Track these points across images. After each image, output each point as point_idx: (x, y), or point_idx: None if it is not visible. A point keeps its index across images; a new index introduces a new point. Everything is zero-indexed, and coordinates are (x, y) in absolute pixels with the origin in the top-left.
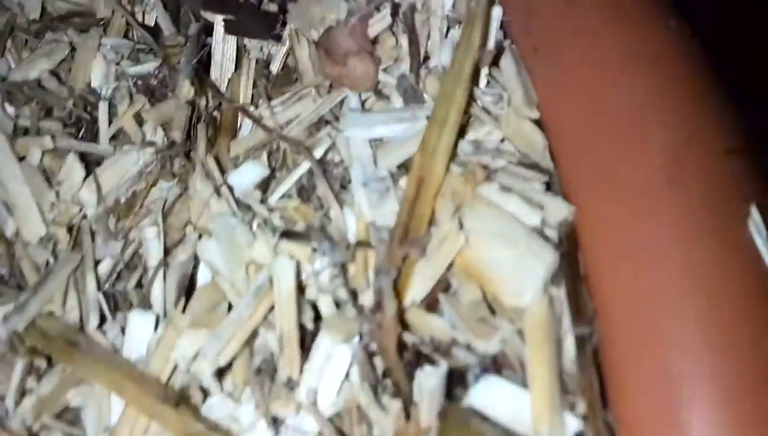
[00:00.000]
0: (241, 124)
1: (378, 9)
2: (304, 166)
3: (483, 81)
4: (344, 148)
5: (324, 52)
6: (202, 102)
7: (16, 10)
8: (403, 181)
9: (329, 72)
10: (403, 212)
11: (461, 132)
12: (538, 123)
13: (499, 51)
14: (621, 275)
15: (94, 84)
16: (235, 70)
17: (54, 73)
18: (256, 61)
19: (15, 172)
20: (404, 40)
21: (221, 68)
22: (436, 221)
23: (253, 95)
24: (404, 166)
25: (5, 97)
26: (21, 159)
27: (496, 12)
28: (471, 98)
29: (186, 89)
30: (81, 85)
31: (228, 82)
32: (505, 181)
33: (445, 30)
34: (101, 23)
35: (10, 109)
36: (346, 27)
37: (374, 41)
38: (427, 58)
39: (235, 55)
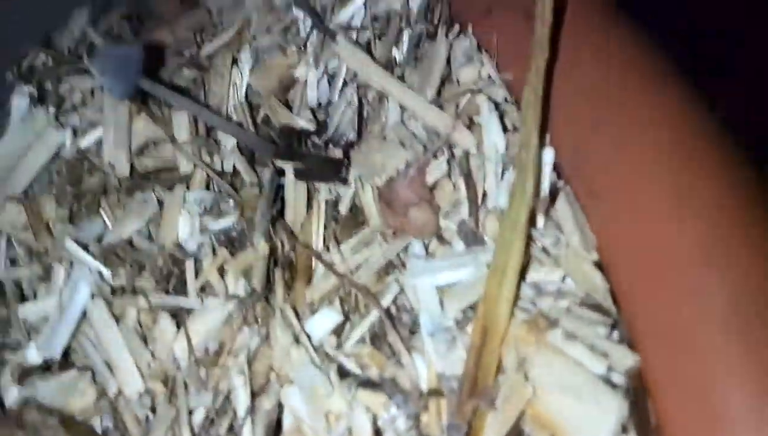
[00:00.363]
0: (315, 267)
1: (435, 156)
2: (375, 312)
3: (540, 221)
4: (412, 294)
5: (386, 204)
6: (278, 244)
7: (107, 169)
8: (470, 327)
9: (392, 223)
10: (470, 363)
11: (521, 273)
12: (598, 264)
13: (554, 192)
14: (692, 431)
15: (181, 239)
16: (307, 211)
17: (144, 231)
18: (326, 203)
19: (115, 336)
20: (462, 185)
21: (294, 211)
22: (503, 370)
23: (324, 237)
24: (471, 309)
25: (102, 260)
26: (117, 318)
27: (548, 156)
28: (529, 239)
29: (262, 246)
30: (169, 241)
31: (301, 225)
32: (569, 327)
33: (500, 172)
34: (184, 177)
35: (107, 272)
36: (406, 179)
37: (433, 187)
38: (485, 197)
39: (306, 198)
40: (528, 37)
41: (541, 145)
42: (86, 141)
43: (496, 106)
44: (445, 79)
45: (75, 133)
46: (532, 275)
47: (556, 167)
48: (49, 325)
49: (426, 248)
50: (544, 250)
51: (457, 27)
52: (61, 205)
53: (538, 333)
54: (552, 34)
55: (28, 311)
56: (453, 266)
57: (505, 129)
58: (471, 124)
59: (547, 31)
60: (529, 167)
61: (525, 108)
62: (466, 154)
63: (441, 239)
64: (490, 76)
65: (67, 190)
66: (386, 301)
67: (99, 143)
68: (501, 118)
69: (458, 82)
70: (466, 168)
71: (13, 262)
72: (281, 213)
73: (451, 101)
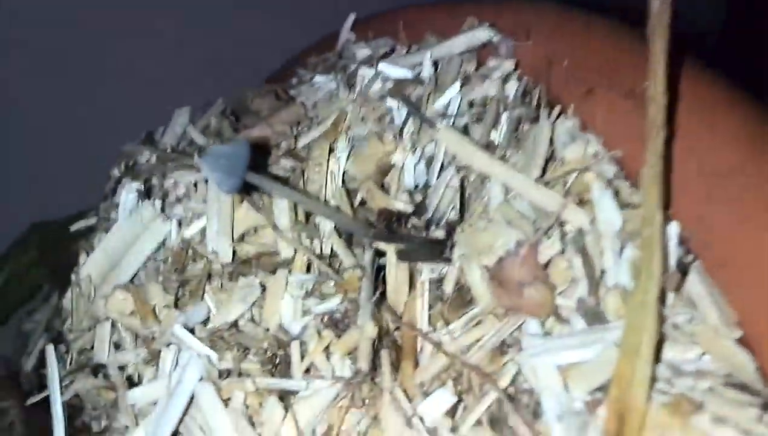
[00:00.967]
0: (422, 348)
1: (547, 235)
2: (492, 394)
3: (670, 298)
4: (531, 375)
5: (497, 283)
6: (383, 324)
7: (211, 257)
8: (600, 411)
9: (506, 303)
10: None
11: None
12: (741, 341)
13: (683, 267)
14: None
15: (285, 322)
16: (409, 291)
17: (248, 314)
18: (429, 282)
19: (223, 419)
20: (576, 262)
21: (396, 291)
22: None
23: (430, 316)
24: (600, 390)
25: (209, 344)
26: (225, 401)
27: (673, 231)
28: (660, 316)
29: (370, 328)
30: (273, 324)
31: (405, 305)
32: (716, 410)
33: (618, 249)
34: (285, 262)
35: (214, 356)
36: (517, 258)
37: (546, 265)
38: (603, 274)
39: (408, 279)
40: (634, 114)
41: (665, 220)
42: (190, 231)
43: (608, 183)
44: (549, 160)
45: (180, 223)
46: (666, 354)
47: (683, 241)
48: (157, 409)
49: (543, 326)
50: (676, 326)
51: (557, 108)
52: (167, 292)
53: (682, 417)
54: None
55: (137, 396)
56: (576, 345)
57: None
58: (581, 202)
59: (663, 113)
60: (655, 244)
61: (646, 186)
62: (580, 232)
63: (558, 317)
64: (597, 154)
65: (172, 277)
66: (504, 382)
67: (202, 232)
68: (614, 194)
69: (563, 161)
70: (580, 246)
71: (117, 346)
72: (383, 293)
73: (559, 180)
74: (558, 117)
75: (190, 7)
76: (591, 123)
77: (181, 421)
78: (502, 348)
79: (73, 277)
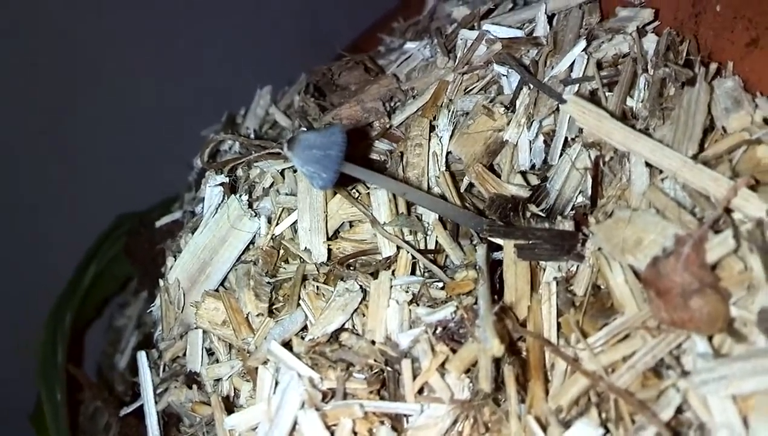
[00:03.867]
0: (553, 363)
1: (714, 230)
2: (651, 429)
3: None
4: (701, 406)
5: (654, 292)
6: (504, 335)
7: (304, 256)
8: None
9: (665, 317)
10: None
11: None
12: None
13: None
14: None
15: (392, 333)
16: (531, 293)
17: (350, 326)
18: (556, 283)
19: None
20: (755, 263)
21: (515, 293)
22: None
23: (559, 325)
24: None
25: (309, 361)
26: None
27: None
28: None
29: (495, 347)
30: (379, 336)
31: (527, 310)
32: None
33: None
34: (387, 261)
35: (316, 377)
36: (679, 258)
37: (714, 267)
38: None
39: (529, 278)
40: None
41: None
42: (280, 227)
43: None
44: (707, 131)
45: (269, 219)
46: None
47: None
48: None
49: (712, 344)
50: None
51: (713, 66)
52: (259, 298)
53: None
54: None
55: (235, 422)
56: (759, 370)
57: None
58: (756, 185)
59: None
60: None
61: None
62: (758, 224)
63: (733, 333)
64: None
65: (264, 280)
66: (666, 414)
67: (294, 228)
68: None
69: (725, 131)
70: (759, 241)
71: (210, 353)
72: (499, 295)
73: (723, 157)
74: (714, 77)
75: None
76: (757, 82)
77: None
78: (657, 370)
79: (161, 282)
